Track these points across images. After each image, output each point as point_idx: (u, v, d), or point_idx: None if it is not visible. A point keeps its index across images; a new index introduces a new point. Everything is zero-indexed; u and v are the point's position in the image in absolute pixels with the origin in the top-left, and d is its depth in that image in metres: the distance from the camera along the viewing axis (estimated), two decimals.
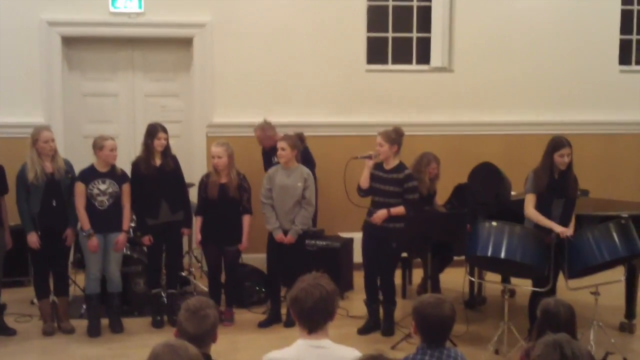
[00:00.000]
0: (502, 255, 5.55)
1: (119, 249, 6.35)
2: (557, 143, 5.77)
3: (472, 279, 6.63)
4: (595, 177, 8.42)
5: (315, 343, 3.22)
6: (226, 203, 6.50)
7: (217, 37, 8.33)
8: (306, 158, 7.35)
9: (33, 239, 6.18)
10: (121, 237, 6.33)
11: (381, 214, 6.16)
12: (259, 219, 6.78)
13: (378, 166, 6.28)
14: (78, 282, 7.08)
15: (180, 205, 6.69)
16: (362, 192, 6.35)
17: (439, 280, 6.73)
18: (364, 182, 6.29)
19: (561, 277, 5.74)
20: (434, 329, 3.40)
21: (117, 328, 6.40)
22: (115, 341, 6.22)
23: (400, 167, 6.29)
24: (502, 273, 6.31)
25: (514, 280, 6.66)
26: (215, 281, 6.70)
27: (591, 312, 5.84)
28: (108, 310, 6.47)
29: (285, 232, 6.54)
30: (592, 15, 9.01)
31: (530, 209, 5.82)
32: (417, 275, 7.54)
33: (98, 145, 6.28)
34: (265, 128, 7.73)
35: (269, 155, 7.54)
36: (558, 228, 5.65)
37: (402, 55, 8.97)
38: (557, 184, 5.76)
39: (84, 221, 6.22)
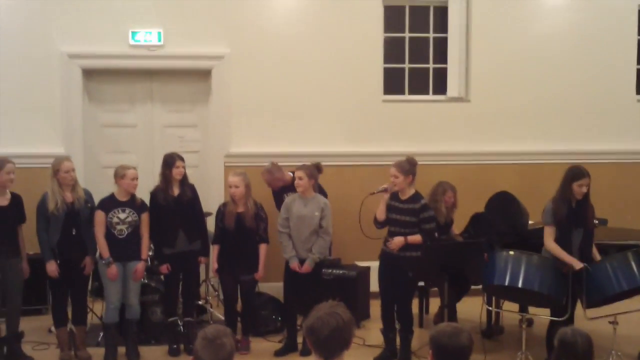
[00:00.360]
0: (520, 284, 5.54)
1: (137, 278, 6.39)
2: (576, 173, 5.76)
3: (490, 308, 6.60)
4: (613, 206, 8.37)
5: None
6: (243, 232, 6.54)
7: (235, 68, 8.41)
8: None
9: (52, 267, 6.23)
10: (140, 266, 6.37)
11: (398, 241, 6.17)
12: (276, 248, 6.81)
13: (394, 196, 6.30)
14: (96, 310, 7.11)
15: (197, 235, 6.75)
16: (379, 225, 6.35)
17: (455, 310, 6.70)
18: (381, 214, 6.30)
19: (579, 307, 5.70)
20: (452, 358, 3.39)
21: (133, 356, 6.42)
22: None
23: (416, 197, 6.30)
24: (519, 302, 6.28)
25: (531, 310, 6.62)
26: (232, 310, 6.72)
27: (609, 342, 5.79)
28: (125, 338, 6.49)
29: (302, 261, 6.56)
30: (609, 43, 9.03)
31: (550, 242, 5.79)
32: (434, 304, 7.50)
33: (120, 174, 6.36)
34: (272, 171, 7.61)
35: (280, 195, 7.50)
36: (578, 265, 5.61)
37: (418, 85, 9.02)
38: (575, 213, 5.75)
39: (103, 249, 6.27)
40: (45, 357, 6.49)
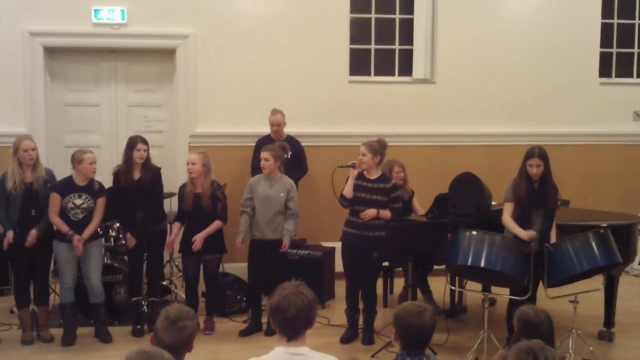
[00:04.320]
0: (482, 264, 5.59)
1: (77, 252, 6.22)
2: (528, 153, 5.85)
3: (453, 287, 6.67)
4: (576, 188, 8.51)
5: (294, 350, 3.23)
6: (201, 213, 6.52)
7: (201, 48, 8.35)
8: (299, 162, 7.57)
9: (10, 235, 6.16)
10: (76, 241, 6.20)
11: (371, 212, 6.18)
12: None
13: (360, 176, 6.31)
14: (58, 291, 7.06)
15: (159, 217, 6.71)
16: (347, 202, 6.35)
17: (429, 289, 6.74)
18: (349, 192, 6.31)
19: (540, 286, 5.78)
20: (414, 336, 3.42)
21: (105, 338, 6.38)
22: (94, 350, 6.21)
23: (385, 177, 6.35)
24: (482, 282, 6.35)
25: (494, 289, 6.69)
26: (193, 290, 6.68)
27: (570, 321, 5.88)
28: (95, 321, 6.45)
29: (268, 241, 6.55)
30: (573, 28, 9.12)
31: (506, 217, 5.89)
32: (399, 284, 7.57)
33: (77, 159, 6.26)
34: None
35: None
36: (522, 233, 5.71)
37: (384, 67, 9.03)
38: (536, 193, 5.82)
39: (60, 225, 6.20)
40: (8, 337, 6.43)
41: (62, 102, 8.44)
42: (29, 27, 7.99)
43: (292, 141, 7.75)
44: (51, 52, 8.23)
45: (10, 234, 6.18)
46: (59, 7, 8.04)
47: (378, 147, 6.31)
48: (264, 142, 7.63)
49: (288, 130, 8.00)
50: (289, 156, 7.18)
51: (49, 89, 8.26)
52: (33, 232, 6.21)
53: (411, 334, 3.42)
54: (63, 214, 6.25)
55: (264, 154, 6.58)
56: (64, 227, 6.21)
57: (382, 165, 6.97)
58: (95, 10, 8.08)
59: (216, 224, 6.56)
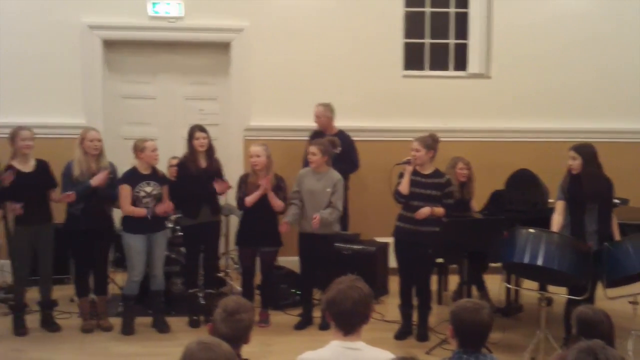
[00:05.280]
0: (539, 262, 5.51)
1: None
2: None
3: (509, 286, 6.59)
4: (636, 186, 8.31)
5: (350, 345, 3.25)
6: (263, 205, 6.53)
7: (255, 41, 8.39)
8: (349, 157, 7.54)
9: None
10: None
11: (425, 211, 6.14)
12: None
13: (414, 171, 6.28)
14: (116, 281, 7.20)
15: (219, 208, 6.84)
16: (403, 198, 6.29)
17: (484, 286, 6.70)
18: (405, 188, 6.26)
19: (599, 286, 5.68)
20: (471, 334, 3.40)
21: (163, 328, 6.49)
22: (151, 340, 6.31)
23: (439, 172, 6.32)
24: (539, 281, 6.26)
25: (551, 288, 6.59)
26: (249, 282, 6.74)
27: (629, 322, 5.77)
28: (153, 309, 6.56)
29: (317, 235, 6.51)
30: (631, 22, 8.91)
31: (553, 215, 5.87)
32: (453, 281, 7.51)
33: (139, 147, 6.38)
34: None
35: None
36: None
37: (439, 61, 8.96)
38: (577, 188, 5.74)
39: (137, 212, 6.30)
40: (69, 325, 6.57)
41: (119, 94, 8.57)
42: (87, 21, 8.14)
43: (342, 136, 7.74)
44: (109, 44, 8.36)
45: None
46: (117, 1, 8.17)
47: (431, 142, 6.27)
48: (315, 136, 7.67)
49: (341, 124, 7.99)
50: (338, 151, 7.18)
51: (106, 81, 8.40)
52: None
53: (468, 332, 3.41)
54: (134, 204, 6.34)
55: (311, 148, 6.60)
56: (141, 211, 6.30)
57: (448, 162, 6.97)
58: (152, 4, 8.19)
59: (280, 205, 6.55)
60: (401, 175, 6.31)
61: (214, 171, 6.66)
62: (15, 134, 6.23)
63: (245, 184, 6.62)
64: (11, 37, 8.05)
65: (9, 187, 6.10)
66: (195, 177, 6.57)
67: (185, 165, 6.66)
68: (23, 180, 6.19)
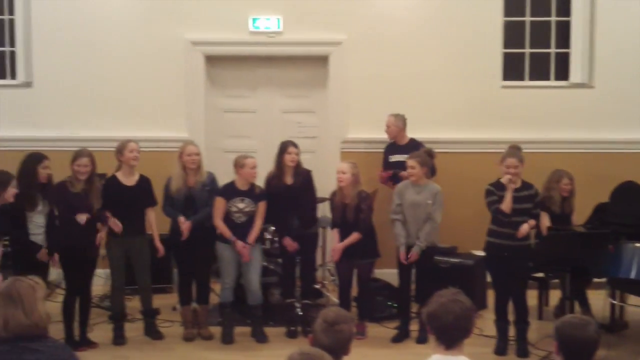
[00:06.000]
0: None
1: (244, 259, 6.49)
2: None
3: (614, 302, 6.38)
4: None
5: (452, 359, 3.21)
6: (346, 223, 6.61)
7: (352, 54, 8.45)
8: None
9: (182, 219, 6.46)
10: (243, 248, 6.46)
11: (526, 228, 6.12)
12: (390, 234, 6.77)
13: (503, 187, 6.19)
14: (217, 291, 7.35)
15: (312, 220, 6.90)
16: (507, 218, 6.16)
17: (587, 302, 6.58)
18: (508, 207, 6.13)
19: None
20: (578, 350, 3.31)
21: (261, 338, 6.58)
22: (251, 349, 6.43)
23: (527, 184, 6.29)
24: None
25: None
26: (346, 294, 6.77)
27: None
28: (252, 321, 6.67)
29: (410, 246, 6.53)
30: None
31: None
32: (554, 296, 7.32)
33: (239, 164, 6.53)
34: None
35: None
36: None
37: (539, 71, 8.78)
38: None
39: (225, 231, 6.47)
40: (171, 333, 6.76)
41: (220, 108, 8.79)
42: (191, 37, 8.40)
43: (415, 144, 7.73)
44: (211, 60, 8.60)
45: (182, 218, 6.47)
46: (219, 17, 8.40)
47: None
48: (389, 146, 7.87)
49: (442, 135, 7.98)
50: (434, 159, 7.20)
51: (208, 96, 8.63)
52: (186, 224, 6.49)
53: (574, 348, 3.31)
54: (226, 217, 6.52)
55: (410, 162, 6.59)
56: (227, 233, 6.46)
57: (550, 174, 6.87)
58: (253, 19, 8.37)
59: (354, 236, 6.58)
60: (489, 194, 6.23)
61: (300, 185, 6.75)
62: (123, 146, 6.47)
63: (333, 203, 6.70)
64: (119, 55, 8.42)
65: (110, 198, 6.34)
66: (282, 194, 6.69)
67: (271, 181, 6.80)
68: (124, 193, 6.44)
